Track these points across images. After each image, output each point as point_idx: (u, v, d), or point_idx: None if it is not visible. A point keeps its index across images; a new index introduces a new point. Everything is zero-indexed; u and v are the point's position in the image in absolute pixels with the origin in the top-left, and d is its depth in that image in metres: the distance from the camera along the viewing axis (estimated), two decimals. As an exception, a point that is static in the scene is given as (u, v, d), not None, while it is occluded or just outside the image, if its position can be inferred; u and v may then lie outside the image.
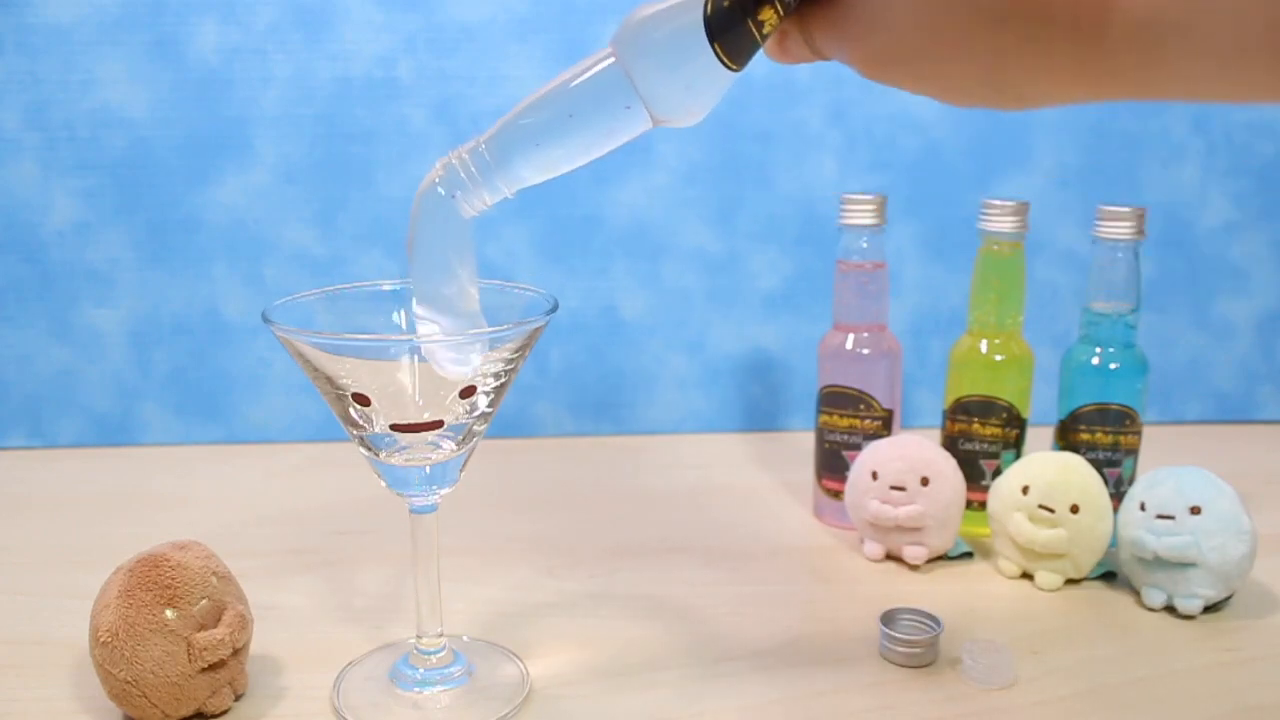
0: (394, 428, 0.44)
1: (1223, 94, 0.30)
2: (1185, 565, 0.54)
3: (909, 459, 0.60)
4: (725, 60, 0.38)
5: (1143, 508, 0.56)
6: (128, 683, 0.44)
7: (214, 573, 0.47)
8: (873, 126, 0.83)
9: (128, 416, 0.83)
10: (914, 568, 0.62)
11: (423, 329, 0.43)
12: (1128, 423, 0.63)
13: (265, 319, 0.43)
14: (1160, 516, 0.55)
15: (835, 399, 0.66)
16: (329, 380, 0.43)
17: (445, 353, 0.42)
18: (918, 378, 0.87)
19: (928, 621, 0.52)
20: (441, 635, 0.49)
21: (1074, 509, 0.57)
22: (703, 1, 0.37)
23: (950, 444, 0.66)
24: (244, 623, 0.47)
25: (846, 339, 0.66)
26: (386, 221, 0.81)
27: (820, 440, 0.68)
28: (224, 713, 0.47)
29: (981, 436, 0.65)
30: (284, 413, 0.84)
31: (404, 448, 0.45)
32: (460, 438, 0.45)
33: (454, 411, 0.44)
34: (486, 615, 0.56)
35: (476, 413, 0.45)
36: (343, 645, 0.53)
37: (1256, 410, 0.90)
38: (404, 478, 0.46)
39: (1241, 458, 0.82)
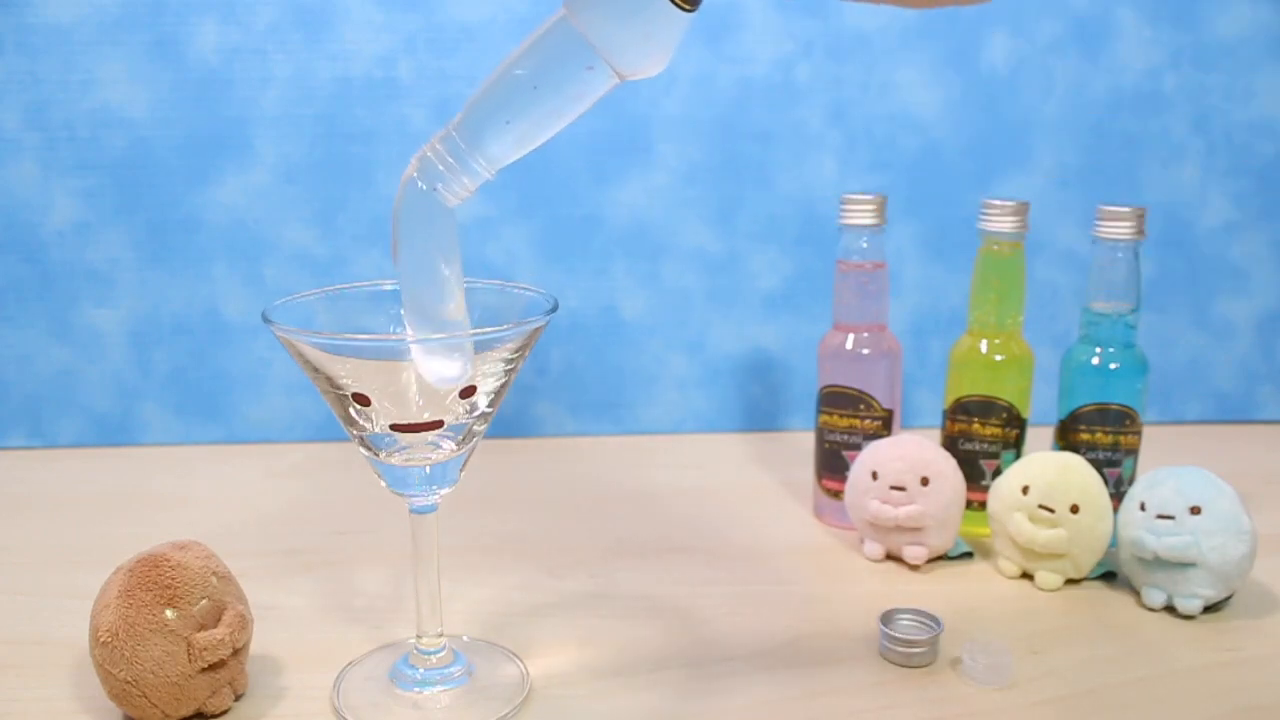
0: (394, 428, 0.44)
1: None
2: (1185, 565, 0.54)
3: (909, 459, 0.60)
4: (678, 2, 0.37)
5: (1143, 508, 0.56)
6: (128, 683, 0.44)
7: (214, 573, 0.47)
8: (873, 126, 0.83)
9: (128, 416, 0.83)
10: (914, 568, 0.62)
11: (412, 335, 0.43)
12: (1128, 423, 0.63)
13: (265, 319, 0.43)
14: (1160, 516, 0.55)
15: (835, 399, 0.66)
16: (329, 380, 0.43)
17: (432, 362, 0.42)
18: (918, 378, 0.87)
19: (928, 621, 0.52)
20: (441, 635, 0.49)
21: (1074, 509, 0.57)
22: None
23: (950, 444, 0.66)
24: (244, 623, 0.47)
25: (846, 339, 0.66)
26: (386, 221, 0.81)
27: (820, 440, 0.68)
28: (224, 713, 0.47)
29: (981, 436, 0.65)
30: (284, 413, 0.84)
31: (404, 448, 0.45)
32: (460, 438, 0.45)
33: (454, 411, 0.44)
34: (486, 615, 0.56)
35: (476, 413, 0.45)
36: (343, 645, 0.53)
37: (1256, 410, 0.90)
38: (404, 478, 0.46)
39: (1241, 458, 0.82)
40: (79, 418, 0.83)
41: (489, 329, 0.43)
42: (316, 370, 0.43)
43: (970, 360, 0.65)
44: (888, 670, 0.50)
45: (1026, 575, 0.60)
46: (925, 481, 0.60)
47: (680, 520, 0.69)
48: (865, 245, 0.65)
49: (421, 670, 0.49)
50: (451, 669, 0.49)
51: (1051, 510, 0.57)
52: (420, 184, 0.41)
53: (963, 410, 0.65)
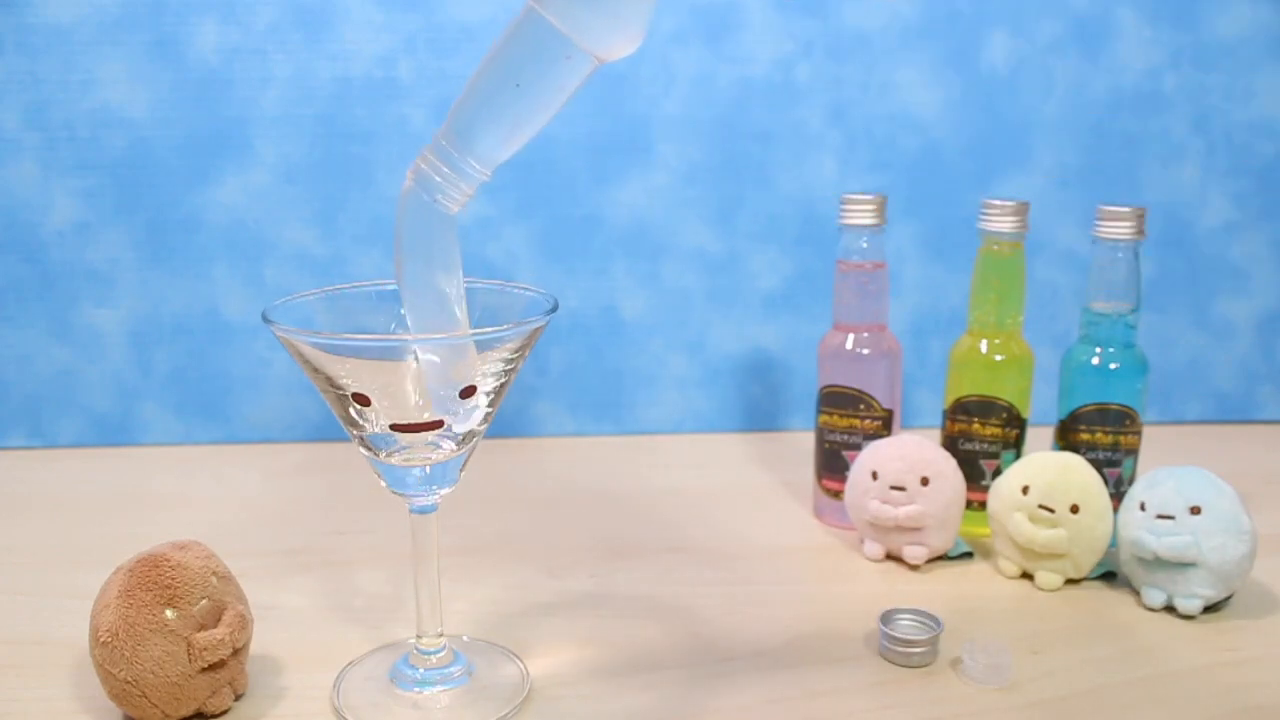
0: (394, 428, 0.44)
1: None
2: (1185, 565, 0.54)
3: (909, 459, 0.60)
4: None
5: (1143, 508, 0.56)
6: (128, 683, 0.44)
7: (214, 573, 0.47)
8: (873, 126, 0.83)
9: (128, 416, 0.83)
10: (914, 568, 0.62)
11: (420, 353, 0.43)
12: (1128, 423, 0.63)
13: (265, 319, 0.43)
14: (1160, 516, 0.55)
15: (835, 399, 0.66)
16: (329, 380, 0.43)
17: (438, 370, 0.42)
18: (918, 378, 0.87)
19: (928, 621, 0.52)
20: (441, 635, 0.49)
21: (1074, 509, 0.57)
22: None
23: (950, 444, 0.66)
24: (244, 623, 0.47)
25: (846, 339, 0.66)
26: (386, 221, 0.81)
27: (820, 440, 0.68)
28: (224, 713, 0.47)
29: (981, 436, 0.65)
30: (284, 413, 0.84)
31: (404, 448, 0.45)
32: (460, 438, 0.45)
33: (454, 411, 0.44)
34: (486, 615, 0.56)
35: (476, 413, 0.45)
36: (343, 645, 0.53)
37: (1256, 410, 0.90)
38: (404, 478, 0.46)
39: (1241, 458, 0.82)
40: (79, 418, 0.83)
41: (489, 329, 0.43)
42: (316, 370, 0.43)
43: (970, 360, 0.65)
44: (888, 670, 0.50)
45: (1026, 575, 0.60)
46: (925, 481, 0.60)
47: (680, 520, 0.69)
48: (865, 245, 0.65)
49: (421, 670, 0.49)
50: (451, 669, 0.49)
51: (1051, 510, 0.57)
52: (422, 196, 0.41)
53: (963, 410, 0.65)
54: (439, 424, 0.44)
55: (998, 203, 0.63)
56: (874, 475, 0.61)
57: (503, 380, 0.45)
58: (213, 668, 0.46)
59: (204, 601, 0.46)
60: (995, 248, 0.63)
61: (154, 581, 0.45)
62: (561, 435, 0.86)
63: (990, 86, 0.83)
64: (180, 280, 0.81)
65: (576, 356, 0.85)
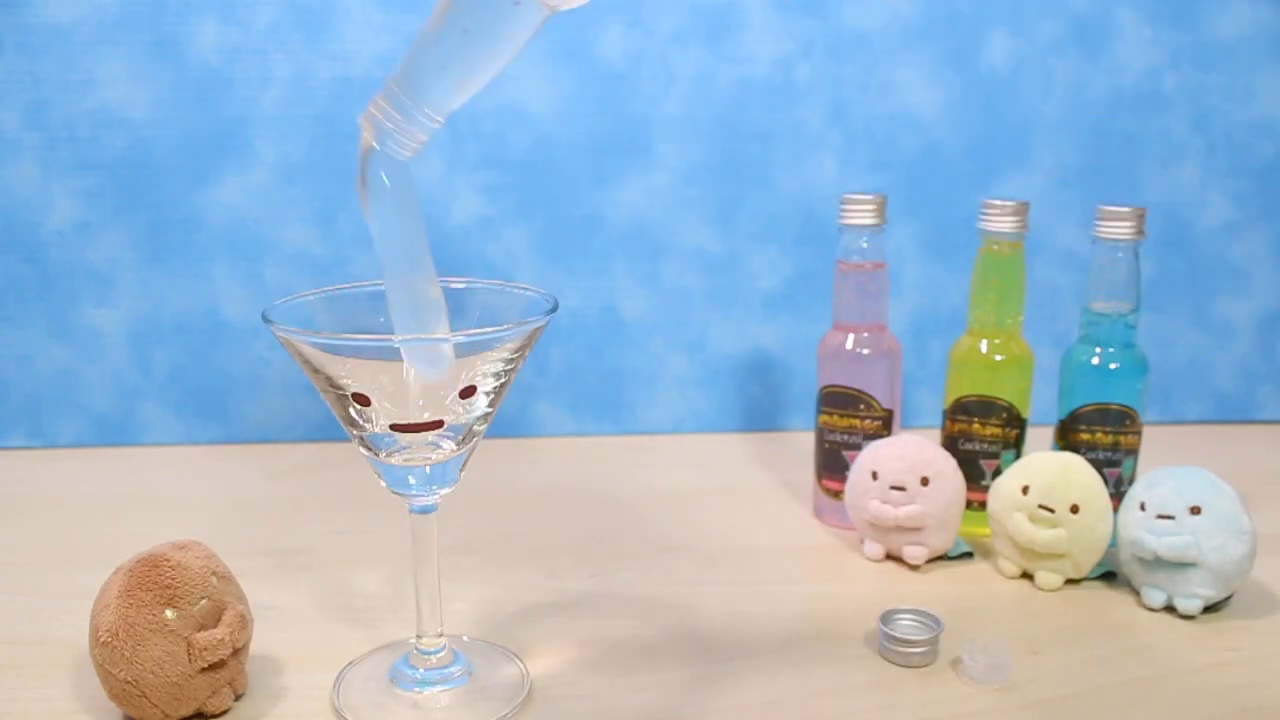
0: (394, 428, 0.44)
1: None
2: (1185, 565, 0.54)
3: (909, 459, 0.60)
4: None
5: (1143, 508, 0.56)
6: (128, 683, 0.44)
7: (214, 573, 0.47)
8: (873, 126, 0.83)
9: (128, 416, 0.83)
10: (914, 568, 0.62)
11: (395, 319, 0.43)
12: (1128, 423, 0.63)
13: (265, 319, 0.43)
14: (1160, 516, 0.55)
15: (835, 399, 0.66)
16: (329, 380, 0.43)
17: (420, 356, 0.42)
18: (918, 378, 0.87)
19: (928, 621, 0.52)
20: (441, 635, 0.49)
21: (1074, 509, 0.57)
22: None
23: (950, 444, 0.66)
24: (244, 623, 0.47)
25: (846, 339, 0.66)
26: (386, 221, 0.81)
27: (820, 440, 0.68)
28: (224, 713, 0.47)
29: (981, 436, 0.65)
30: (284, 413, 0.84)
31: (404, 448, 0.45)
32: (460, 438, 0.45)
33: (454, 411, 0.44)
34: (486, 615, 0.56)
35: (477, 413, 0.45)
36: (343, 645, 0.53)
37: (1256, 410, 0.90)
38: (404, 478, 0.46)
39: (1241, 458, 0.82)
40: (79, 418, 0.83)
41: (489, 329, 0.43)
42: (316, 370, 0.43)
43: (970, 360, 0.65)
44: (888, 670, 0.50)
45: (1026, 575, 0.60)
46: (925, 481, 0.60)
47: (680, 520, 0.69)
48: (865, 245, 0.65)
49: (421, 670, 0.49)
50: (451, 669, 0.49)
51: (1051, 510, 0.57)
52: (374, 144, 0.41)
53: (963, 410, 0.65)
54: (439, 424, 0.44)
55: (998, 203, 0.63)
56: (874, 475, 0.61)
57: (503, 380, 0.45)
58: (213, 668, 0.46)
59: (204, 601, 0.46)
60: (995, 248, 0.63)
61: (154, 581, 0.45)
62: (561, 435, 0.86)
63: (990, 86, 0.83)
64: (180, 280, 0.81)
65: (576, 356, 0.85)
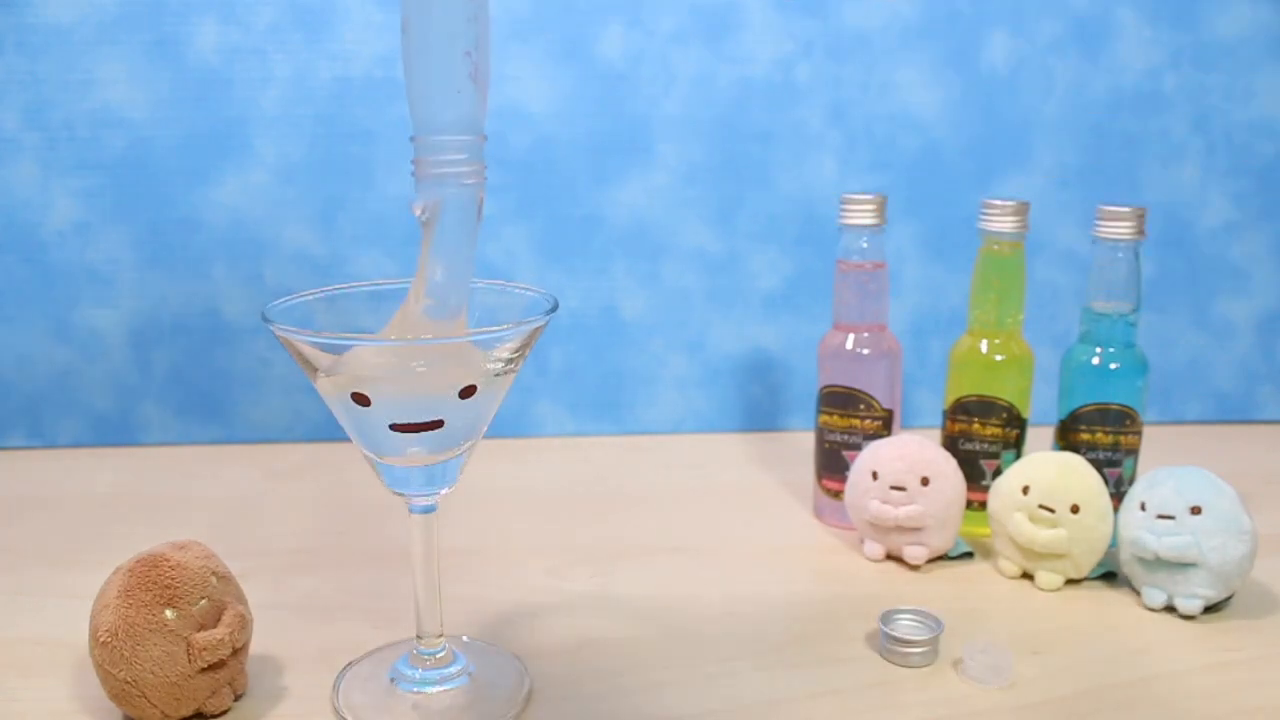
0: (394, 428, 0.44)
1: None
2: (1185, 565, 0.54)
3: (909, 459, 0.60)
4: None
5: (1143, 508, 0.56)
6: (127, 683, 0.44)
7: (214, 573, 0.47)
8: (873, 126, 0.83)
9: (128, 416, 0.83)
10: (914, 568, 0.62)
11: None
12: (1128, 423, 0.63)
13: (265, 319, 0.43)
14: (1160, 516, 0.55)
15: (835, 399, 0.66)
16: (330, 381, 0.43)
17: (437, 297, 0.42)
18: (918, 378, 0.87)
19: (928, 621, 0.52)
20: (441, 635, 0.49)
21: (1074, 509, 0.57)
22: None
23: (950, 444, 0.66)
24: (244, 623, 0.47)
25: (846, 339, 0.66)
26: (386, 221, 0.81)
27: (820, 440, 0.68)
28: (224, 713, 0.47)
29: (981, 436, 0.65)
30: (284, 413, 0.84)
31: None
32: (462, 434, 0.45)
33: (454, 411, 0.44)
34: (486, 615, 0.56)
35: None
36: (343, 645, 0.53)
37: (1256, 410, 0.90)
38: (404, 478, 0.46)
39: (1241, 458, 0.82)
40: (79, 418, 0.83)
41: (489, 329, 0.43)
42: (316, 370, 0.43)
43: (970, 360, 0.65)
44: (888, 670, 0.50)
45: (1026, 575, 0.60)
46: (925, 481, 0.60)
47: (680, 520, 0.69)
48: (865, 245, 0.65)
49: (421, 670, 0.49)
50: (451, 669, 0.49)
51: (1052, 510, 0.57)
52: (449, 190, 0.41)
53: (963, 410, 0.65)
54: (439, 424, 0.44)
55: (998, 203, 0.63)
56: (874, 475, 0.61)
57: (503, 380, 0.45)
58: (212, 668, 0.46)
59: (204, 601, 0.46)
60: (995, 248, 0.63)
61: (154, 581, 0.45)
62: (561, 435, 0.86)
63: (990, 86, 0.83)
64: (180, 280, 0.81)
65: (576, 356, 0.85)
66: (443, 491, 0.46)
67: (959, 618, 0.55)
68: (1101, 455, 0.63)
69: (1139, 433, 0.63)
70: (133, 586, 0.45)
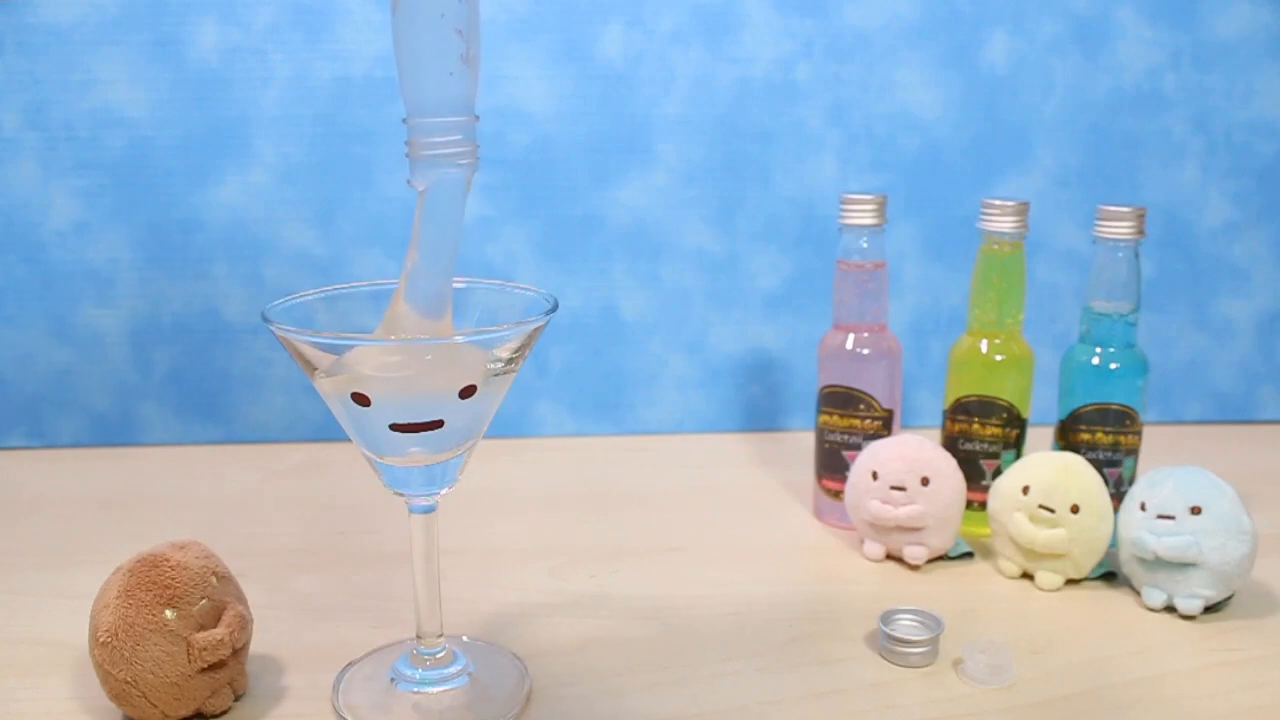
0: (394, 428, 0.44)
1: None
2: (1185, 565, 0.54)
3: (909, 459, 0.60)
4: None
5: (1143, 508, 0.56)
6: (127, 683, 0.44)
7: (214, 573, 0.47)
8: (873, 126, 0.83)
9: (128, 416, 0.83)
10: (914, 568, 0.62)
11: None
12: (1128, 423, 0.63)
13: (265, 319, 0.43)
14: (1160, 516, 0.55)
15: (835, 399, 0.66)
16: (328, 380, 0.43)
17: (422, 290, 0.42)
18: (918, 378, 0.87)
19: (928, 621, 0.52)
20: (441, 635, 0.49)
21: (1074, 509, 0.57)
22: None
23: (950, 444, 0.66)
24: (244, 623, 0.47)
25: (846, 339, 0.66)
26: (386, 221, 0.81)
27: (820, 440, 0.68)
28: (224, 713, 0.47)
29: (981, 436, 0.65)
30: (284, 413, 0.84)
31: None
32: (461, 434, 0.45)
33: (454, 411, 0.44)
34: (486, 615, 0.56)
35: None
36: (343, 645, 0.53)
37: (1256, 410, 0.90)
38: (404, 478, 0.46)
39: (1241, 458, 0.82)
40: (79, 418, 0.83)
41: (489, 329, 0.43)
42: (316, 370, 0.43)
43: (970, 360, 0.65)
44: (888, 670, 0.50)
45: (1026, 575, 0.60)
46: (925, 481, 0.60)
47: (680, 520, 0.69)
48: (865, 245, 0.65)
49: (421, 670, 0.49)
50: (451, 669, 0.49)
51: (1052, 510, 0.57)
52: (448, 172, 0.42)
53: (963, 410, 0.65)
54: (439, 424, 0.44)
55: (998, 203, 0.63)
56: (874, 475, 0.61)
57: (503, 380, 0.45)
58: (212, 668, 0.46)
59: (204, 601, 0.46)
60: (995, 248, 0.63)
61: (154, 581, 0.45)
62: (561, 435, 0.86)
63: (990, 86, 0.83)
64: (180, 280, 0.81)
65: (576, 356, 0.85)
66: (443, 491, 0.46)
67: (959, 618, 0.55)
68: (1101, 455, 0.63)
69: (1139, 433, 0.63)
70: (133, 586, 0.45)
